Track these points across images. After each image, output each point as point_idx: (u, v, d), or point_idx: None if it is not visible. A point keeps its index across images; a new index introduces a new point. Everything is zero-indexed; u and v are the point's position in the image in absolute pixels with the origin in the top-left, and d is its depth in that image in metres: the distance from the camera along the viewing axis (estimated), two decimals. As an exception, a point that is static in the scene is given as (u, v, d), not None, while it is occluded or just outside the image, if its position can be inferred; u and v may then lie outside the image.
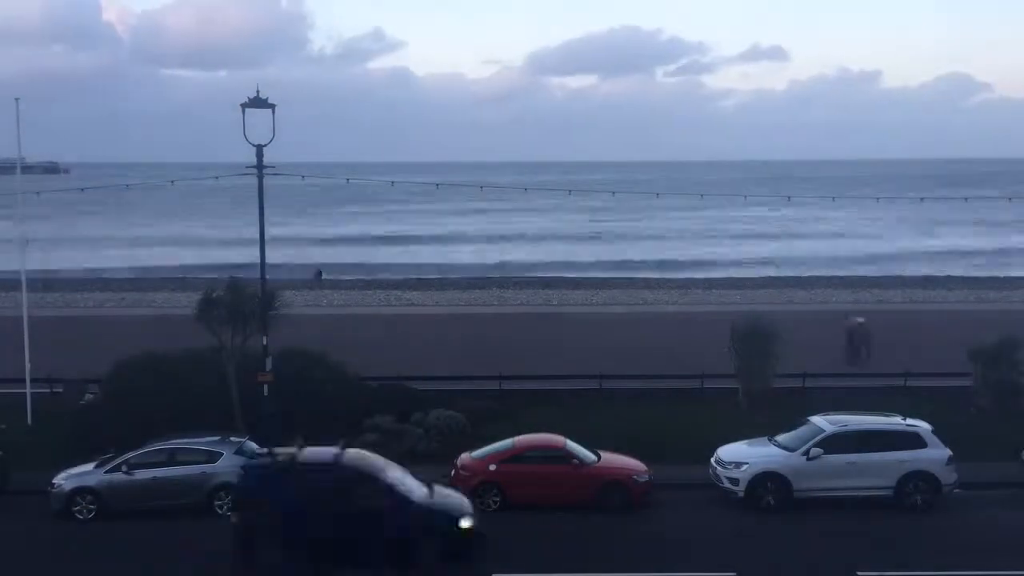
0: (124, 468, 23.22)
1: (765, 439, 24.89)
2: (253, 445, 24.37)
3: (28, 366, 30.17)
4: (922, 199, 64.15)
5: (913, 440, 23.79)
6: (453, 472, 24.23)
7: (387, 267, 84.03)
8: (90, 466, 23.71)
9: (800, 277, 72.73)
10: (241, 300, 27.44)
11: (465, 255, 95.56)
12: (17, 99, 29.83)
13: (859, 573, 19.50)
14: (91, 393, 31.20)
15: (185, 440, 24.11)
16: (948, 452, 23.68)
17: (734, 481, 23.68)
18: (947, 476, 23.49)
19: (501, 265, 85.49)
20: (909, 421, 24.49)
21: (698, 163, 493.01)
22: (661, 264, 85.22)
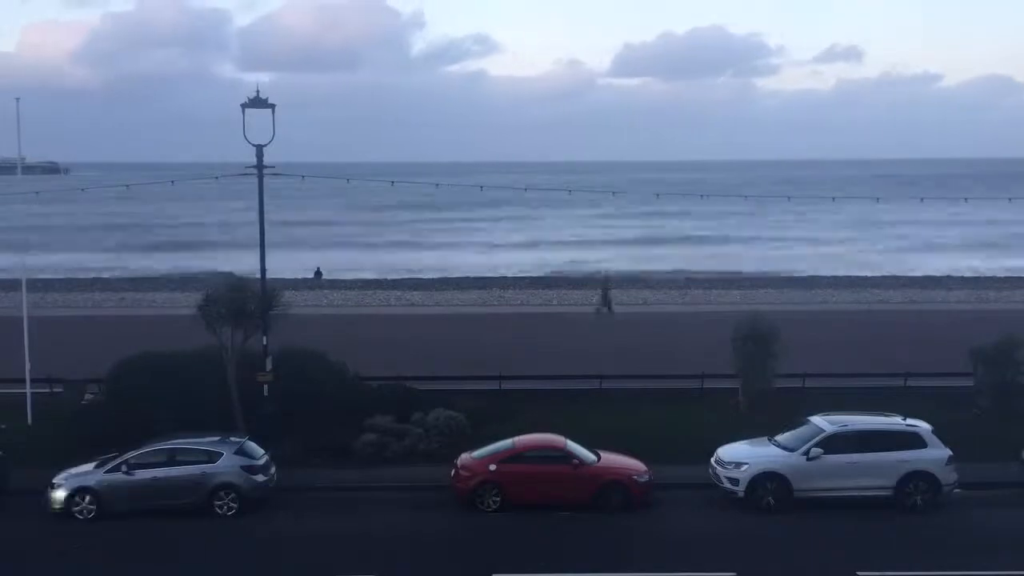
0: (124, 468, 23.20)
1: (765, 439, 24.88)
2: (253, 445, 24.41)
3: (28, 366, 30.15)
4: (922, 199, 64.10)
5: (913, 440, 23.78)
6: (453, 472, 24.24)
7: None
8: (90, 466, 23.69)
9: (800, 277, 72.77)
10: (242, 299, 27.43)
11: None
12: (18, 99, 29.85)
13: (859, 573, 19.51)
14: (91, 393, 31.20)
15: (185, 440, 24.10)
16: (948, 452, 23.67)
17: (734, 481, 23.66)
18: (947, 476, 23.48)
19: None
20: (909, 421, 24.48)
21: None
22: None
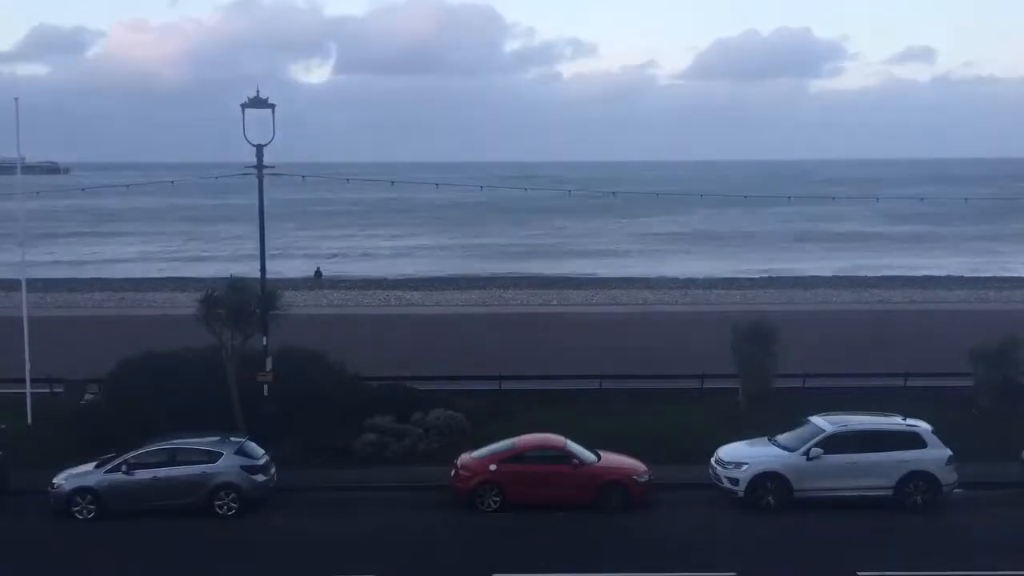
0: (124, 468, 23.19)
1: (765, 439, 24.87)
2: (253, 445, 24.40)
3: (28, 366, 30.15)
4: (922, 199, 64.13)
5: (913, 440, 23.78)
6: (453, 472, 24.23)
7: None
8: (90, 466, 23.68)
9: (800, 277, 72.74)
10: (243, 299, 27.42)
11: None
12: (16, 99, 29.84)
13: (859, 573, 19.51)
14: (91, 393, 31.19)
15: (185, 440, 24.09)
16: (948, 452, 23.67)
17: (734, 481, 23.66)
18: (947, 476, 23.47)
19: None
20: (909, 421, 24.48)
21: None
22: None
